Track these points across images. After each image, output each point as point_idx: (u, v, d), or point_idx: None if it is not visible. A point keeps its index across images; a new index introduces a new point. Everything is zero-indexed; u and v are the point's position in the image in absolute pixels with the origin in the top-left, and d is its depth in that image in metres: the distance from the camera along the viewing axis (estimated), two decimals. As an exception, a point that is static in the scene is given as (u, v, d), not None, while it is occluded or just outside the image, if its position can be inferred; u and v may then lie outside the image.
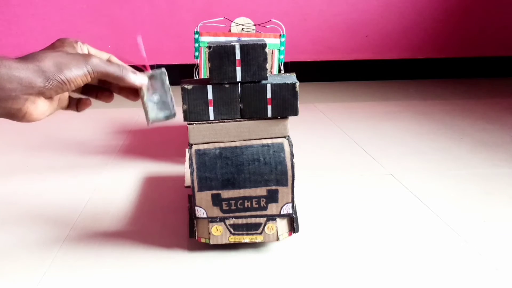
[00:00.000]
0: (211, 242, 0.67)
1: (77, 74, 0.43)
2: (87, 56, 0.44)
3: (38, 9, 2.00)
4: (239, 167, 0.65)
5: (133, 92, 0.51)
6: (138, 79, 0.49)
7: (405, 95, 1.86)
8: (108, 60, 0.49)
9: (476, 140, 1.25)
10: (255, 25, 1.07)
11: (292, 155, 0.66)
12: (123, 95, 0.52)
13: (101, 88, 0.52)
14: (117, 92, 0.52)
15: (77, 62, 0.43)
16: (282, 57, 1.07)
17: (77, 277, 0.64)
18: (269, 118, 0.67)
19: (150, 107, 0.53)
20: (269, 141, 0.67)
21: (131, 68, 0.50)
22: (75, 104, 0.51)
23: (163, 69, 0.53)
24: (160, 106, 0.53)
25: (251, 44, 0.63)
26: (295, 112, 0.66)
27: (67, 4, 2.01)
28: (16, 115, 0.41)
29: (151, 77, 0.53)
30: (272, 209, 0.67)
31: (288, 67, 2.09)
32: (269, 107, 0.66)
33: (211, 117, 0.66)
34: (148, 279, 0.64)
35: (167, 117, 0.54)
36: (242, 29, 1.06)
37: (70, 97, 0.51)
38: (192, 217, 0.68)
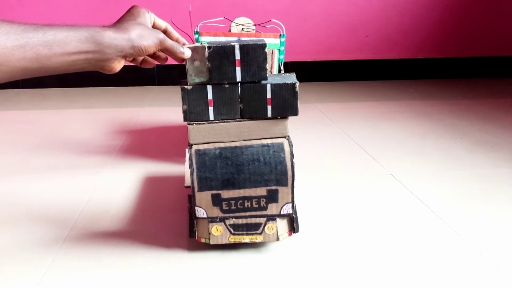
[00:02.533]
0: (211, 242, 0.67)
1: (151, 45, 0.55)
2: (158, 32, 0.57)
3: (39, 8, 2.00)
4: (239, 167, 0.65)
5: (171, 57, 0.62)
6: (186, 54, 0.61)
7: (405, 95, 1.86)
8: (165, 29, 0.62)
9: (476, 140, 1.25)
10: (255, 25, 1.07)
11: (292, 155, 0.66)
12: (167, 54, 0.63)
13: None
14: (158, 60, 0.64)
15: (152, 36, 0.55)
16: (282, 57, 1.07)
17: (77, 277, 0.64)
18: (269, 118, 0.67)
19: (191, 71, 0.64)
20: (269, 141, 0.67)
21: (182, 44, 0.62)
22: (139, 62, 0.63)
23: (205, 44, 0.63)
24: (198, 71, 0.64)
25: (251, 44, 0.63)
26: (295, 112, 0.66)
27: (67, 4, 2.01)
28: (105, 69, 0.54)
29: (194, 49, 0.62)
30: (272, 209, 0.67)
31: (288, 67, 2.09)
32: (269, 107, 0.66)
33: (211, 117, 0.66)
34: (148, 279, 0.64)
35: (202, 82, 0.64)
36: (242, 29, 1.06)
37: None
38: (192, 217, 0.68)
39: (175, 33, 0.63)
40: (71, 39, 0.49)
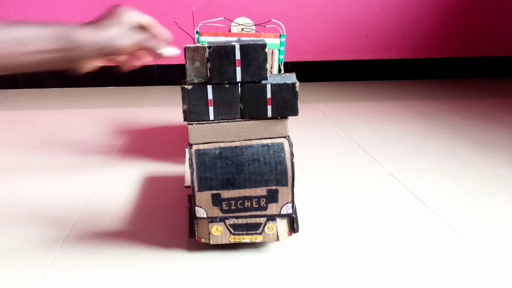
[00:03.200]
0: (211, 242, 0.67)
1: (128, 44, 0.53)
2: (137, 32, 0.55)
3: (38, 9, 2.00)
4: (239, 167, 0.65)
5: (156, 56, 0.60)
6: (169, 52, 0.58)
7: (405, 95, 1.86)
8: (148, 25, 0.58)
9: (476, 140, 1.25)
10: (255, 25, 1.07)
11: (292, 155, 0.66)
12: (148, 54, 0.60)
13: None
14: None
15: (130, 35, 0.54)
16: (282, 57, 1.07)
17: (77, 277, 0.64)
18: (269, 118, 0.67)
19: (190, 71, 0.64)
20: (269, 141, 0.67)
21: (166, 39, 0.59)
22: (121, 62, 0.60)
23: (205, 44, 0.63)
24: (198, 72, 0.64)
25: (251, 44, 0.63)
26: (295, 112, 0.66)
27: (67, 3, 2.01)
28: (80, 68, 0.53)
29: (195, 49, 0.63)
30: (272, 209, 0.67)
31: (288, 67, 2.09)
32: (269, 107, 0.66)
33: (211, 117, 0.66)
34: (148, 279, 0.64)
35: (202, 82, 0.65)
36: (242, 29, 1.06)
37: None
38: (192, 217, 0.68)
39: (157, 28, 0.59)
40: (45, 36, 0.48)
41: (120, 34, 0.53)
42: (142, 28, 0.57)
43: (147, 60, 0.61)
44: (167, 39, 0.59)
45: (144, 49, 0.56)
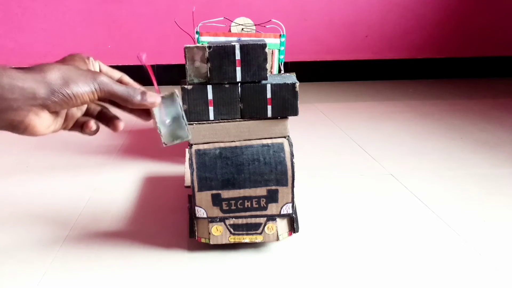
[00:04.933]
0: (211, 242, 0.67)
1: (84, 90, 0.41)
2: (96, 74, 0.43)
3: (38, 10, 2.00)
4: (239, 167, 0.65)
5: (145, 113, 0.49)
6: (149, 100, 0.46)
7: (405, 95, 1.86)
8: (120, 80, 0.47)
9: (476, 140, 1.25)
10: (255, 25, 1.07)
11: (292, 155, 0.66)
12: (135, 115, 0.49)
13: (113, 117, 0.51)
14: (128, 112, 0.49)
15: (84, 78, 0.41)
16: (282, 57, 1.07)
17: (77, 277, 0.64)
18: (269, 118, 0.67)
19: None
20: (269, 141, 0.67)
21: (142, 89, 0.47)
22: (80, 126, 0.49)
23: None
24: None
25: (251, 44, 0.63)
26: (295, 112, 0.66)
27: (67, 3, 2.01)
28: (18, 128, 0.40)
29: (195, 49, 0.53)
30: (272, 209, 0.67)
31: (288, 67, 2.09)
32: (269, 107, 0.66)
33: (211, 117, 0.66)
34: (148, 279, 0.64)
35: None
36: (242, 29, 1.06)
37: (78, 119, 0.50)
38: (192, 217, 0.68)
39: (131, 82, 0.49)
40: None
41: (68, 76, 0.40)
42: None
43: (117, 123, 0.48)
44: (141, 90, 0.47)
45: (113, 97, 0.45)
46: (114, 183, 0.98)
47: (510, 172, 1.02)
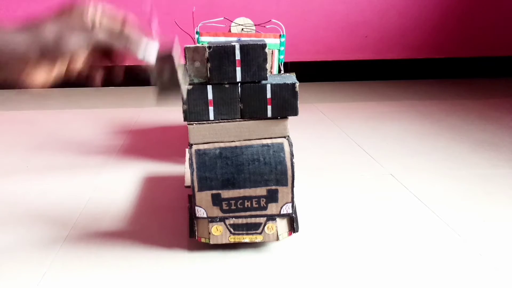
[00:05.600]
0: (211, 242, 0.67)
1: (76, 46, 0.40)
2: (91, 30, 0.41)
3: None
4: (239, 167, 0.65)
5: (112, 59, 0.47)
6: (147, 55, 0.45)
7: (405, 95, 1.86)
8: (120, 30, 0.44)
9: (476, 140, 1.25)
10: (255, 25, 1.07)
11: (292, 155, 0.66)
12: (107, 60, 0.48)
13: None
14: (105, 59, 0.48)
15: (78, 34, 0.40)
16: (282, 57, 1.07)
17: (77, 277, 0.64)
18: (269, 118, 0.67)
19: (190, 71, 0.63)
20: (269, 141, 0.67)
21: (142, 38, 0.46)
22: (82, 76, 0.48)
23: (205, 45, 0.61)
24: (198, 72, 0.63)
25: (251, 44, 0.63)
26: (295, 112, 0.66)
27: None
28: (15, 83, 0.41)
29: (195, 49, 0.62)
30: (272, 209, 0.67)
31: (288, 67, 2.09)
32: (269, 107, 0.66)
33: (211, 117, 0.66)
34: (148, 279, 0.64)
35: (202, 82, 0.63)
36: (242, 29, 1.06)
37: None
38: (192, 217, 0.68)
39: (133, 27, 0.46)
40: None
41: (61, 34, 0.39)
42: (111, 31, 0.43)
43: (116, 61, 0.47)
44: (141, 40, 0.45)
45: (108, 51, 0.43)
46: (114, 183, 0.98)
47: (510, 172, 1.02)
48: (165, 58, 0.48)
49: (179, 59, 0.48)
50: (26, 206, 0.87)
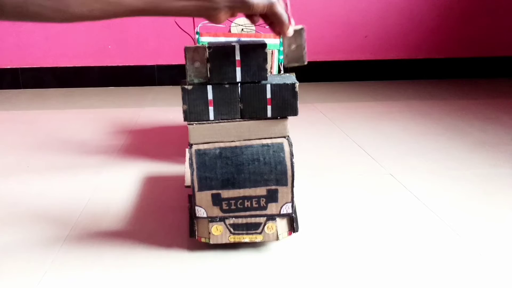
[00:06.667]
0: (211, 242, 0.67)
1: (260, 4, 0.55)
2: None
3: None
4: (239, 167, 0.65)
5: (279, 32, 0.61)
6: (289, 31, 0.59)
7: (405, 95, 1.86)
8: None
9: (476, 140, 1.25)
10: (255, 25, 1.07)
11: (291, 155, 0.66)
12: (272, 30, 0.61)
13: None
14: (268, 25, 0.62)
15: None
16: (282, 57, 1.07)
17: (77, 277, 0.64)
18: (269, 118, 0.67)
19: (190, 71, 0.64)
20: (269, 141, 0.67)
21: (287, 20, 0.59)
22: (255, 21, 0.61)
23: (205, 45, 0.63)
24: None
25: (251, 45, 0.63)
26: (295, 112, 0.67)
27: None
28: (212, 18, 0.55)
29: (195, 50, 0.63)
30: (272, 208, 0.67)
31: (288, 67, 2.09)
32: (269, 107, 0.66)
33: (211, 117, 0.66)
34: (148, 279, 0.64)
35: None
36: (242, 29, 1.06)
37: None
38: (192, 217, 0.68)
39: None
40: None
41: None
42: None
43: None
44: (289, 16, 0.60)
45: (273, 15, 0.57)
46: (114, 183, 0.98)
47: (510, 172, 1.02)
48: (296, 32, 0.63)
49: (305, 35, 0.64)
50: (26, 206, 0.87)
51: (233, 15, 0.56)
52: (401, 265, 0.67)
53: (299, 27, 0.63)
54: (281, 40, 0.65)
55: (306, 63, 0.65)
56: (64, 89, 2.06)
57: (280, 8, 0.57)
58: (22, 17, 0.47)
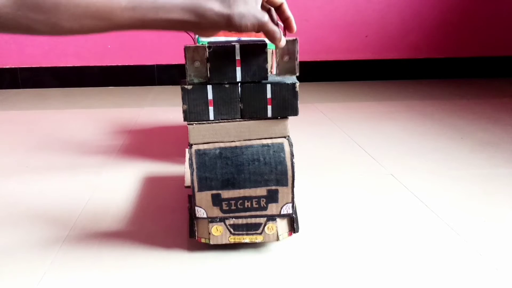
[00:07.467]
0: (211, 242, 0.67)
1: (248, 26, 0.54)
2: (262, 15, 0.55)
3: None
4: (239, 167, 0.65)
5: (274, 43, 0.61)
6: (281, 43, 0.59)
7: (405, 95, 1.86)
8: (279, 6, 0.59)
9: (476, 140, 1.25)
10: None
11: (292, 155, 0.66)
12: (268, 39, 0.61)
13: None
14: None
15: (254, 17, 0.54)
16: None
17: (77, 277, 0.64)
18: (269, 118, 0.67)
19: (190, 71, 0.64)
20: (269, 141, 0.67)
21: (280, 33, 0.59)
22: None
23: (205, 44, 0.63)
24: (198, 72, 0.64)
25: (251, 44, 0.63)
26: (295, 112, 0.66)
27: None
28: (199, 34, 0.56)
29: (195, 49, 0.63)
30: (272, 209, 0.67)
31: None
32: (269, 107, 0.66)
33: (211, 117, 0.66)
34: (148, 279, 0.64)
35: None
36: (242, 29, 1.06)
37: None
38: (192, 217, 0.68)
39: (287, 12, 0.60)
40: (177, 7, 0.52)
41: (243, 14, 0.54)
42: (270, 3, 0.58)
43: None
44: (291, 27, 0.60)
45: (264, 33, 0.57)
46: (114, 183, 0.98)
47: (510, 172, 1.02)
48: (289, 42, 0.64)
49: (297, 46, 0.65)
50: (26, 206, 0.87)
51: (223, 32, 0.57)
52: (401, 265, 0.67)
53: (292, 38, 0.64)
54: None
55: (298, 74, 0.66)
56: (64, 89, 2.05)
57: (270, 26, 0.56)
58: (14, 30, 0.48)
